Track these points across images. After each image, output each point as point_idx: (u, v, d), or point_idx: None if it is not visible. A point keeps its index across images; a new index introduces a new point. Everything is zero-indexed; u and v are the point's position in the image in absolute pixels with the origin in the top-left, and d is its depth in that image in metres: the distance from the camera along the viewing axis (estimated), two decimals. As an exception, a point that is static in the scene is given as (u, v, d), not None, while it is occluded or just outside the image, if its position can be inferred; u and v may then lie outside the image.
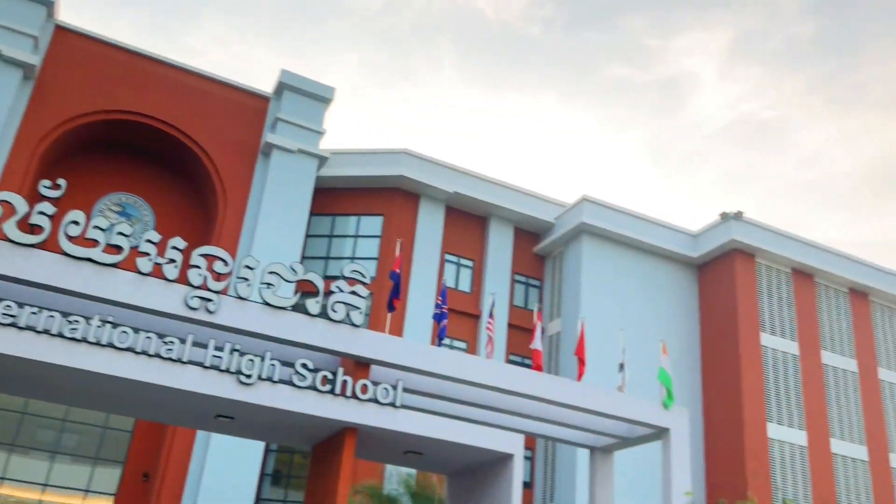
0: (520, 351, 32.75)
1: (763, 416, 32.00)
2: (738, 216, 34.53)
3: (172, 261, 13.42)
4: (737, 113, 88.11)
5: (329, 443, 15.20)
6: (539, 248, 36.05)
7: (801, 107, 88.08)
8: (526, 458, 31.73)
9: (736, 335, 32.98)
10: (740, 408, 31.69)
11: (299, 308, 14.35)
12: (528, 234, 36.30)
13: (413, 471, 23.42)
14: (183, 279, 13.46)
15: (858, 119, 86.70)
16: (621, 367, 19.16)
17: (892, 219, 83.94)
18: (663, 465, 17.42)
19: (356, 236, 32.96)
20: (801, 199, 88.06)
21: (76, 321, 12.34)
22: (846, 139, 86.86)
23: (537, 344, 18.97)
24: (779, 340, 33.98)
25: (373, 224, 33.01)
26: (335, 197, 33.09)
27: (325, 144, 32.77)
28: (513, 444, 15.06)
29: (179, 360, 12.89)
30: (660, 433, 17.71)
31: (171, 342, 12.94)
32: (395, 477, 23.61)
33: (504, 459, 15.11)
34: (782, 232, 35.78)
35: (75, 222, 12.86)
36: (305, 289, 14.54)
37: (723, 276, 34.64)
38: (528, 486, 31.94)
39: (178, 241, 13.59)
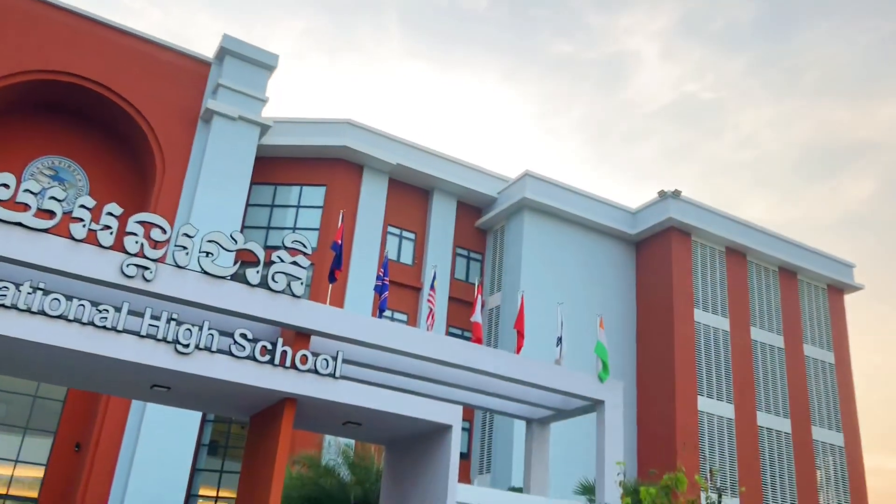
0: (460, 324, 33.03)
1: (694, 390, 33.02)
2: (675, 195, 35.28)
3: (108, 227, 13.10)
4: (678, 93, 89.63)
5: (267, 413, 15.16)
6: (481, 223, 36.27)
7: (739, 89, 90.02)
8: (464, 429, 32.15)
9: (671, 311, 33.86)
10: (672, 381, 32.64)
11: (239, 278, 14.20)
12: (471, 208, 36.47)
13: (352, 441, 23.51)
14: (119, 246, 13.17)
15: (793, 103, 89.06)
16: (559, 340, 19.51)
17: (821, 201, 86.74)
18: (597, 436, 17.88)
19: (298, 206, 32.64)
20: (737, 178, 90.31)
21: (6, 288, 11.97)
22: (781, 122, 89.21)
23: (477, 317, 19.18)
24: (711, 317, 35.01)
25: (315, 194, 32.72)
26: (277, 166, 32.65)
27: (268, 112, 32.25)
28: (451, 416, 15.25)
29: (114, 329, 12.64)
30: (594, 405, 18.16)
31: (106, 310, 12.68)
32: (334, 447, 23.65)
33: (442, 430, 15.29)
34: (718, 211, 36.73)
35: (5, 185, 12.44)
36: (246, 258, 14.39)
37: (659, 253, 35.45)
38: (465, 456, 32.40)
39: (114, 207, 13.27)
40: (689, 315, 34.23)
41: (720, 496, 15.93)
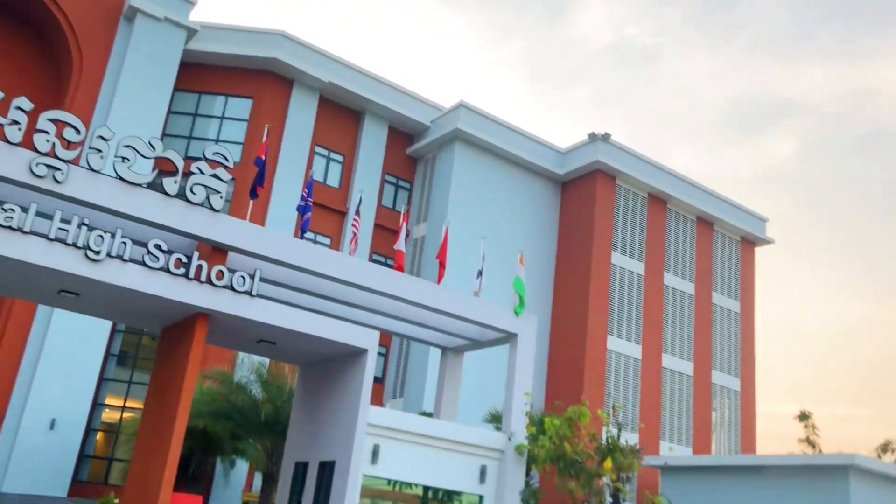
0: (384, 251, 32.98)
1: (605, 329, 34.08)
2: (605, 138, 35.63)
3: (16, 122, 12.37)
4: (618, 35, 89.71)
5: (179, 326, 14.90)
6: (412, 150, 35.92)
7: (677, 37, 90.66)
8: (380, 354, 32.44)
9: (590, 252, 34.58)
10: (585, 319, 33.57)
11: (156, 187, 13.70)
12: (403, 135, 36.01)
13: (266, 360, 23.45)
14: (28, 144, 12.48)
15: (728, 57, 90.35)
16: (479, 273, 19.68)
17: (743, 156, 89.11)
18: (509, 367, 18.27)
19: (222, 118, 31.59)
20: (667, 127, 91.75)
21: None
22: (715, 75, 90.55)
23: (401, 245, 19.13)
24: (628, 260, 35.93)
25: (241, 107, 31.69)
26: (203, 74, 31.38)
27: (196, 17, 30.80)
28: (367, 340, 15.30)
29: (20, 230, 12.10)
30: (508, 337, 18.50)
31: (12, 210, 12.09)
32: (247, 364, 23.56)
33: (357, 354, 15.35)
34: (644, 157, 37.32)
35: None
36: (164, 167, 13.87)
37: (584, 195, 35.94)
38: (379, 380, 32.80)
39: (24, 102, 12.50)
40: (606, 257, 35.04)
41: (620, 431, 16.61)
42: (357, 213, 19.82)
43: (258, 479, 26.39)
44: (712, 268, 39.32)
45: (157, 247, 13.33)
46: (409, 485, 15.88)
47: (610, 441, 16.34)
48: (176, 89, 29.98)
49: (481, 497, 16.59)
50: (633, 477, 30.59)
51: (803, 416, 44.21)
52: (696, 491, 29.59)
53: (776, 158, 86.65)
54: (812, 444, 41.88)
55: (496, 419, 23.83)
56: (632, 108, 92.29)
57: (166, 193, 13.69)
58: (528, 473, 20.32)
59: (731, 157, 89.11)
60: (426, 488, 16.07)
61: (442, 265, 19.65)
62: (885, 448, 42.63)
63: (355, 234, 19.10)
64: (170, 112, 30.30)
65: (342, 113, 34.18)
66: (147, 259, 13.19)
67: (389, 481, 15.66)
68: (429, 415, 21.54)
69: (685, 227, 38.84)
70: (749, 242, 41.35)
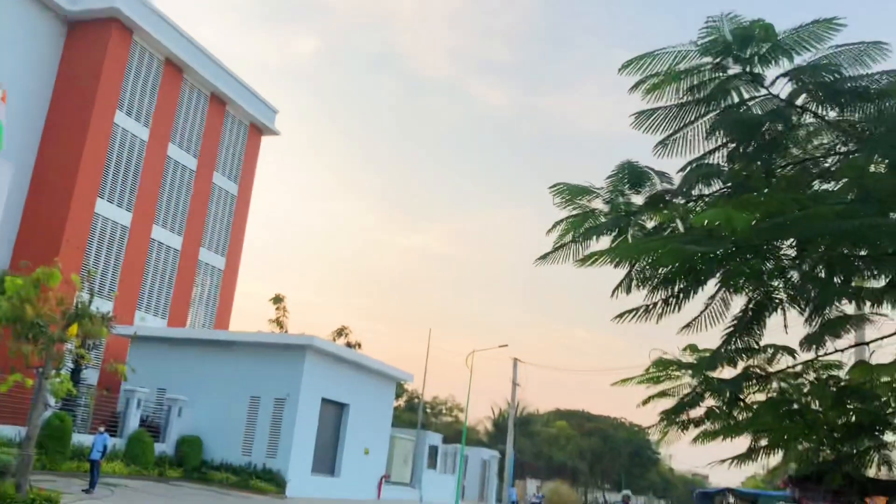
0: None
1: (95, 191, 31.95)
2: (128, -14, 32.62)
3: None
4: None
5: None
6: None
7: None
8: None
9: (91, 106, 31.74)
10: (74, 177, 30.98)
11: None
12: None
13: None
14: None
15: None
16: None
17: (271, 43, 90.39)
18: (-31, 217, 16.01)
19: None
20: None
21: None
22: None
23: None
24: (133, 123, 33.96)
25: None
26: None
27: None
28: None
29: None
30: (-26, 183, 16.15)
31: None
32: None
33: None
34: (169, 20, 35.22)
35: None
36: None
37: (94, 42, 32.62)
38: None
39: None
40: (109, 115, 32.60)
41: (92, 297, 15.93)
42: None
43: None
44: (218, 148, 39.43)
45: None
46: None
47: (80, 306, 15.56)
48: None
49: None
50: (100, 344, 29.79)
51: (277, 299, 47.88)
52: (165, 361, 30.12)
53: (299, 55, 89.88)
54: (280, 324, 45.74)
55: (-55, 273, 20.79)
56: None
57: None
58: (-23, 334, 18.30)
59: (257, 41, 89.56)
60: None
61: None
62: (340, 332, 48.68)
63: None
64: None
65: None
66: None
67: None
68: None
69: (198, 101, 38.06)
70: (258, 129, 42.38)
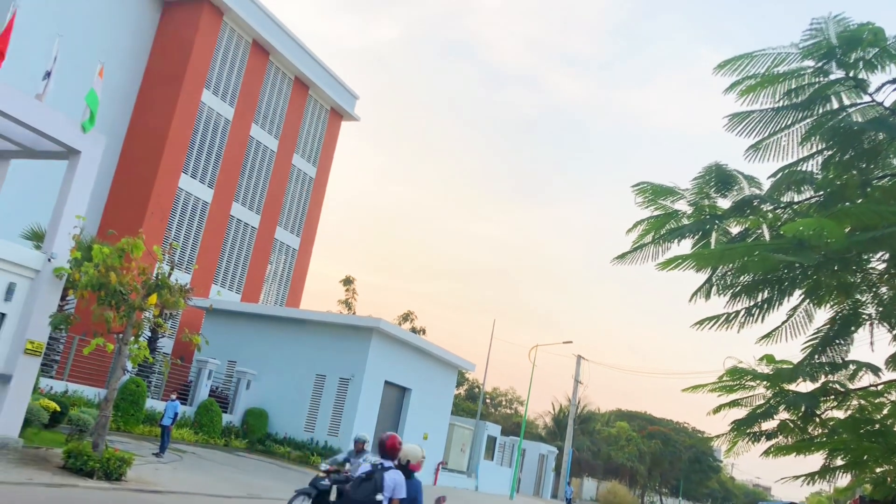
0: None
1: (180, 166, 32.91)
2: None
3: None
4: None
5: None
6: None
7: None
8: None
9: (180, 83, 32.68)
10: (161, 151, 31.98)
11: None
12: None
13: None
14: None
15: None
16: (47, 74, 17.34)
17: (354, 28, 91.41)
18: (63, 184, 16.66)
19: None
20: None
21: None
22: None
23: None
24: (219, 102, 34.83)
25: None
26: None
27: None
28: None
29: None
30: (70, 153, 16.80)
31: None
32: None
33: None
34: (257, 2, 35.94)
35: None
36: None
37: (186, 22, 33.57)
38: None
39: None
40: (197, 93, 33.52)
41: (172, 269, 16.42)
42: None
43: None
44: (299, 130, 40.13)
45: None
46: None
47: (160, 277, 16.05)
48: None
49: (3, 315, 15.18)
50: (177, 315, 30.71)
51: (347, 281, 48.43)
52: (237, 335, 30.92)
53: (380, 41, 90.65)
54: (349, 305, 46.28)
55: (38, 237, 21.74)
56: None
57: None
58: (65, 298, 19.09)
59: (340, 25, 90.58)
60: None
61: (1, 54, 16.84)
62: (406, 317, 48.96)
63: None
64: None
65: None
66: None
67: None
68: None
69: (282, 84, 38.77)
70: (338, 114, 42.94)
